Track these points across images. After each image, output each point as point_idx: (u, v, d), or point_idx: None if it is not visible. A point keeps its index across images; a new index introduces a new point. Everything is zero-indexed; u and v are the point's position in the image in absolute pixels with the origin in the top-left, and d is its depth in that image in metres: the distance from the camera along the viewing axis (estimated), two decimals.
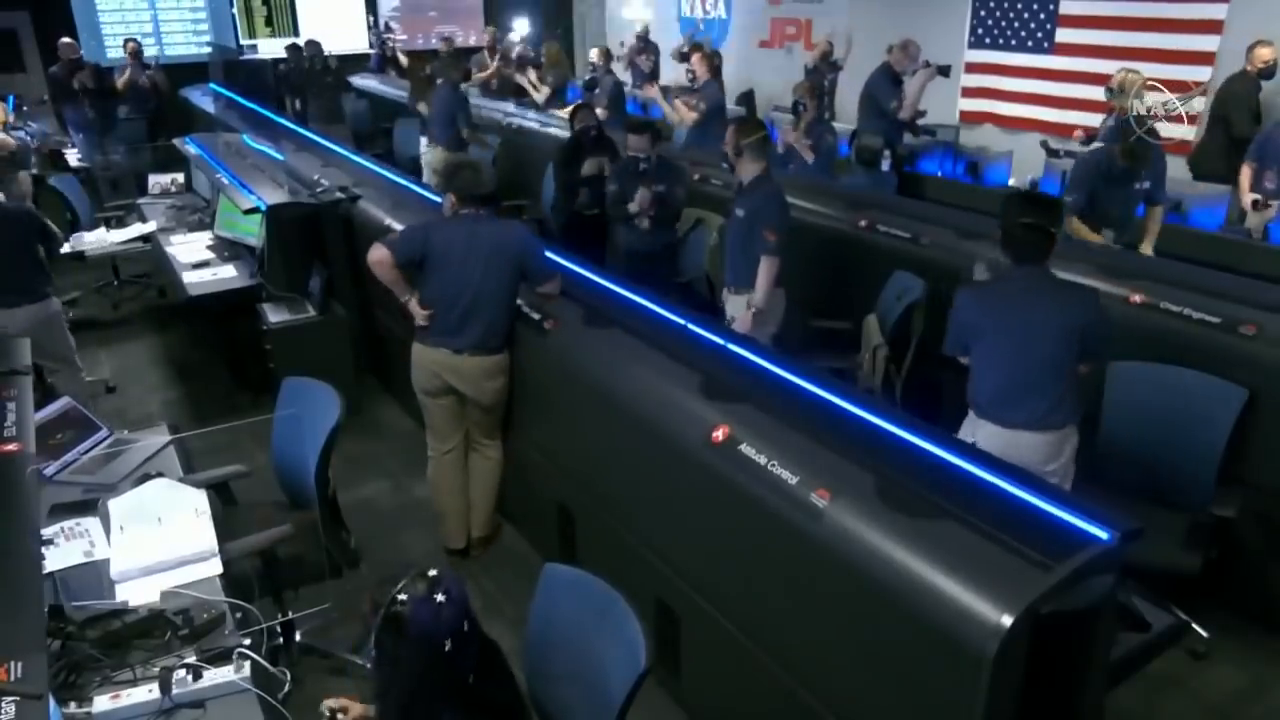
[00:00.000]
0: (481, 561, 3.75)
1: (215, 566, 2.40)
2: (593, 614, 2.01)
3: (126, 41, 9.63)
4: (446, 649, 1.67)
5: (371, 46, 11.84)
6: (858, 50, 9.17)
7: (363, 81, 10.71)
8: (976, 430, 2.93)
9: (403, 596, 1.66)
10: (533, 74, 9.03)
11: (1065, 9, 7.67)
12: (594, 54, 8.95)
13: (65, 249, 5.78)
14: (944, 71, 6.10)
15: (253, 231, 5.00)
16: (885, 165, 5.93)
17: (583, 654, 2.01)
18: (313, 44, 9.72)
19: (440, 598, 1.67)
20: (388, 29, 11.79)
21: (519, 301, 3.56)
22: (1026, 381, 2.85)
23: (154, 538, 2.45)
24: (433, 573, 1.73)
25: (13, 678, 1.50)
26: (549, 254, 3.72)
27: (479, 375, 3.50)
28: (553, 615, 2.12)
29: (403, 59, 11.02)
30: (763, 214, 3.93)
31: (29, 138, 7.83)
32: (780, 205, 3.99)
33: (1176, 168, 6.08)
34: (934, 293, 4.13)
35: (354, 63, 11.19)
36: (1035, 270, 2.90)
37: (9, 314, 4.23)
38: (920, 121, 6.39)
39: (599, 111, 7.56)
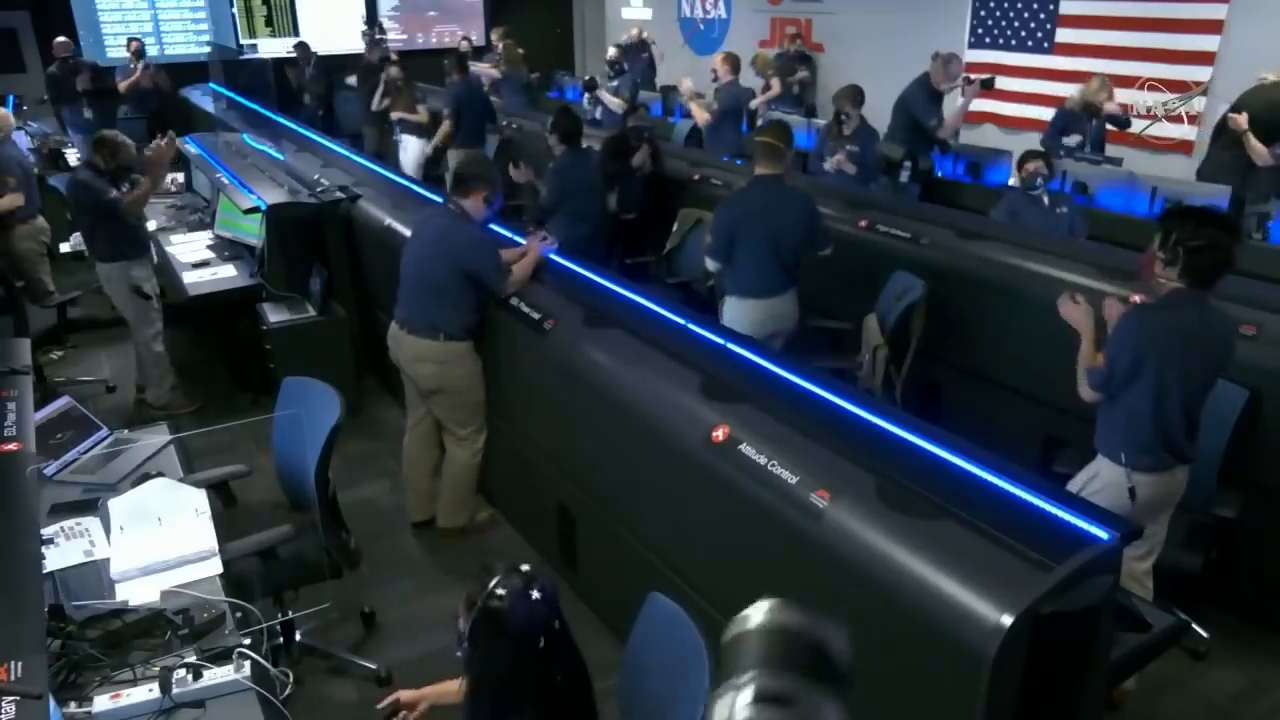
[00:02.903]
0: (481, 562, 3.74)
1: (215, 566, 2.40)
2: (679, 660, 1.89)
3: (130, 41, 9.61)
4: (540, 645, 1.69)
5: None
6: (851, 49, 9.19)
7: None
8: (1133, 480, 2.66)
9: (501, 591, 1.70)
10: (486, 66, 9.14)
11: (1065, 9, 7.68)
12: (611, 51, 9.00)
13: (65, 247, 5.88)
14: (988, 84, 5.86)
15: (253, 231, 5.00)
16: (905, 176, 5.72)
17: (663, 699, 1.92)
18: (381, 42, 9.50)
19: (536, 594, 1.70)
20: (380, 30, 11.77)
21: (519, 302, 3.57)
22: (1191, 420, 2.65)
23: (154, 538, 2.45)
24: (525, 568, 1.76)
25: (13, 678, 1.50)
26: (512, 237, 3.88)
27: (411, 355, 3.65)
28: (649, 647, 2.03)
29: (393, 59, 10.97)
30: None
31: (29, 137, 7.82)
32: (722, 212, 4.03)
33: (1175, 168, 6.10)
34: (934, 293, 4.13)
35: (354, 63, 11.16)
36: (1205, 295, 2.64)
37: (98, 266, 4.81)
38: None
39: (617, 102, 7.69)
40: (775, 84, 8.24)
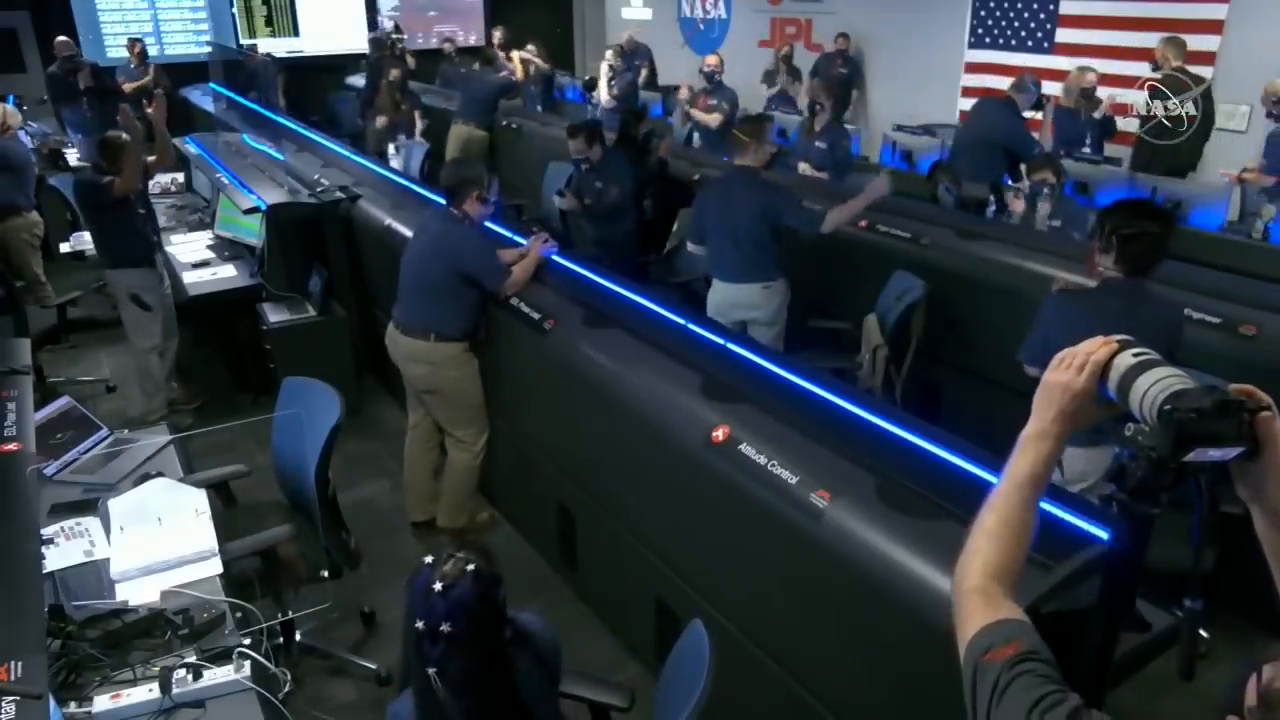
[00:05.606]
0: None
1: (215, 566, 2.40)
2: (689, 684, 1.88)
3: (133, 42, 9.55)
4: (414, 639, 1.75)
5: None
6: (852, 49, 9.17)
7: (360, 80, 10.67)
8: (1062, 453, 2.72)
9: (414, 577, 1.80)
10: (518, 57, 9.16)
11: (1065, 9, 7.67)
12: (608, 55, 9.03)
13: (65, 247, 5.88)
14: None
15: (253, 231, 5.00)
16: (990, 211, 5.36)
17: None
18: (396, 43, 9.39)
19: (437, 587, 1.78)
20: (397, 30, 11.75)
21: (519, 302, 3.57)
22: None
23: (154, 538, 2.45)
24: (457, 557, 1.84)
25: (13, 678, 1.50)
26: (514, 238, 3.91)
27: (406, 355, 3.68)
28: (680, 669, 2.02)
29: (410, 60, 10.96)
30: None
31: (29, 137, 7.82)
32: (698, 195, 4.39)
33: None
34: (934, 293, 4.13)
35: (354, 63, 11.16)
36: (1140, 283, 2.76)
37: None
38: (922, 123, 6.21)
39: (607, 99, 7.81)
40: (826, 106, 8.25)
